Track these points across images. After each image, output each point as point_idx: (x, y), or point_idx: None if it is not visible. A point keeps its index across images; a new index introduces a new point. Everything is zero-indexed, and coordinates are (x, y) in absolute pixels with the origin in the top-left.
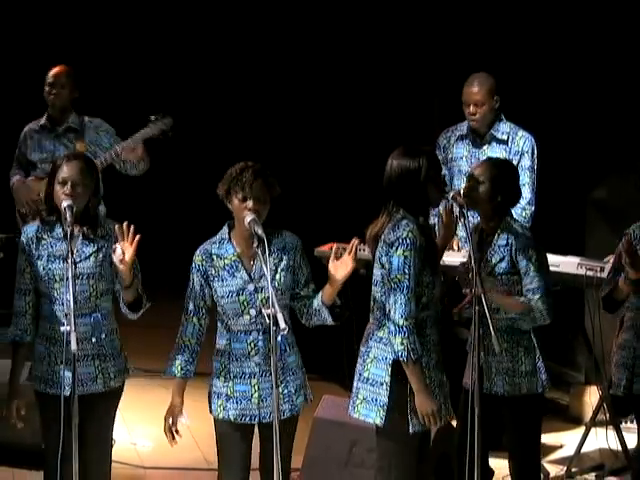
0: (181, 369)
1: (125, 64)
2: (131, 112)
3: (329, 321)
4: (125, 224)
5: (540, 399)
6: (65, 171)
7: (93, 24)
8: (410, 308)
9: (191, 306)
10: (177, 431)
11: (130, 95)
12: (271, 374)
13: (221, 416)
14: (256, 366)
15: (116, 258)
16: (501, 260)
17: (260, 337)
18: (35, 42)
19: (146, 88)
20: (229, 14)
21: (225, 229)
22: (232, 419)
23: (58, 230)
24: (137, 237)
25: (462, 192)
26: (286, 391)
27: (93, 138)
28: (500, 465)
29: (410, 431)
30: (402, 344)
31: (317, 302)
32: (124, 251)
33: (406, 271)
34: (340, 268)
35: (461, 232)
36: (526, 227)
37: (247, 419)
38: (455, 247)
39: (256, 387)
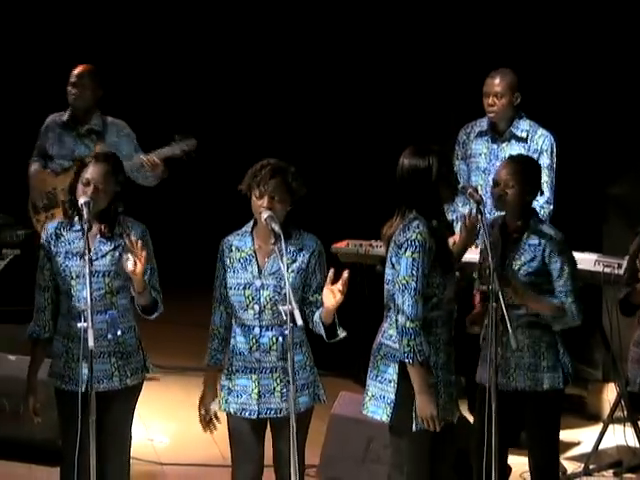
0: (211, 358)
1: (150, 72)
2: (153, 121)
3: (324, 337)
4: (134, 239)
5: (561, 395)
6: (90, 172)
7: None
8: (417, 310)
9: (217, 294)
10: (217, 418)
11: (149, 100)
12: (272, 372)
13: (224, 409)
14: (256, 362)
15: (128, 269)
16: (532, 260)
17: (262, 333)
18: (75, 38)
19: (163, 88)
20: (248, 18)
21: (250, 223)
22: (232, 412)
23: (77, 227)
24: (144, 253)
25: (494, 195)
26: (285, 390)
27: (113, 141)
28: (518, 462)
29: (413, 429)
30: (408, 346)
31: (317, 316)
32: (136, 262)
33: (414, 273)
34: (328, 297)
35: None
36: (556, 228)
37: (246, 414)
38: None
39: (256, 382)
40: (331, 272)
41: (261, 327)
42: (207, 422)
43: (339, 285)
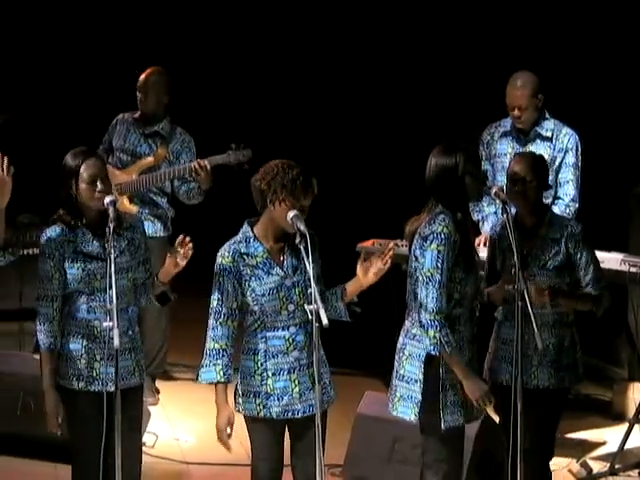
0: (223, 374)
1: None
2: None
3: (345, 318)
4: (183, 237)
5: (568, 393)
6: (90, 169)
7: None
8: (441, 303)
9: (224, 309)
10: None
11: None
12: (308, 368)
13: (262, 414)
14: (295, 361)
15: (174, 264)
16: (557, 254)
17: (298, 331)
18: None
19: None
20: (276, 16)
21: (247, 227)
22: (275, 416)
23: (84, 230)
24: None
25: (514, 192)
26: (321, 384)
27: (176, 149)
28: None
29: (442, 427)
30: (435, 337)
31: (335, 298)
32: (183, 257)
33: (438, 265)
34: (371, 270)
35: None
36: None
37: (290, 414)
38: (482, 245)
39: (296, 382)
40: (365, 251)
41: (295, 325)
42: (226, 440)
43: (382, 256)
